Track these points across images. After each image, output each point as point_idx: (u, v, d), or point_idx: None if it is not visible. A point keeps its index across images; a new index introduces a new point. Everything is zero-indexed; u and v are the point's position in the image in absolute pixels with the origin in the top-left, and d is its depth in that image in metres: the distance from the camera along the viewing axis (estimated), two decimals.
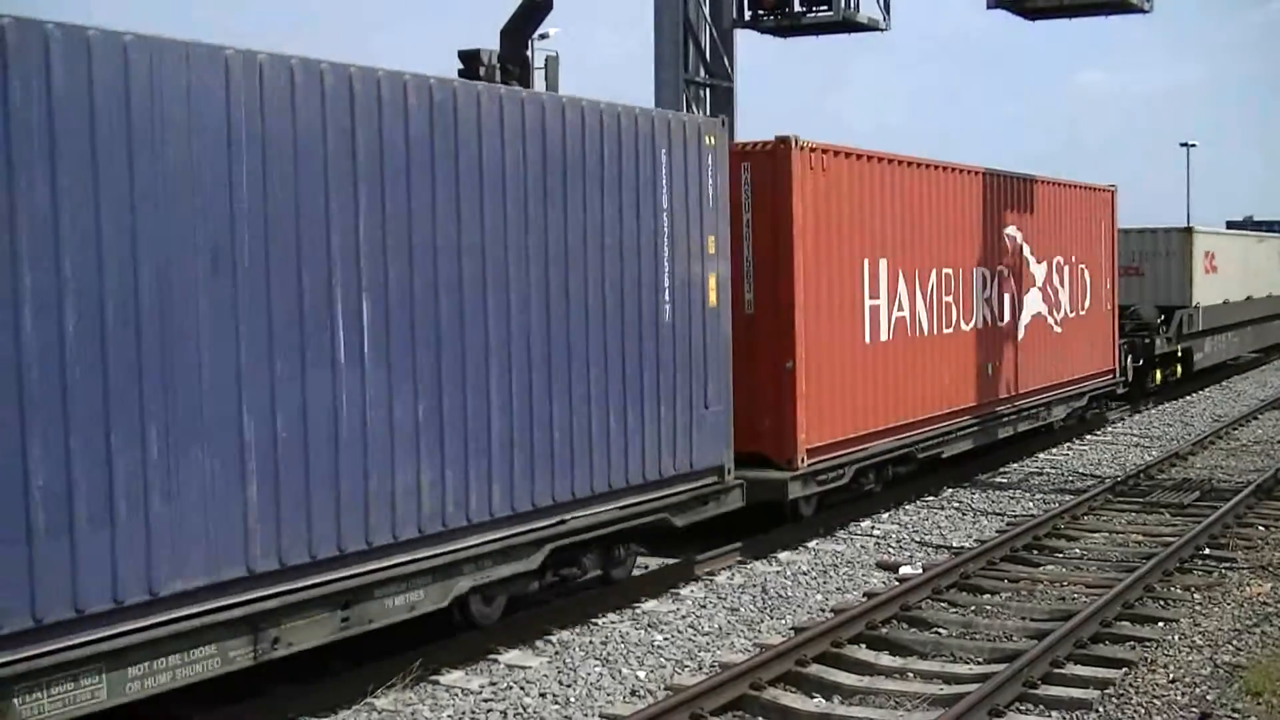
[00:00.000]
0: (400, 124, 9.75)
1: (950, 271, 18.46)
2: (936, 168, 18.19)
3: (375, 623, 9.79)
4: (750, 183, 14.82)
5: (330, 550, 9.29)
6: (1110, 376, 25.29)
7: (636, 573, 13.18)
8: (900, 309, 17.10)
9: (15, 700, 7.45)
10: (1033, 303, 21.49)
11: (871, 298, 16.39)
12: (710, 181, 13.14)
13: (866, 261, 16.27)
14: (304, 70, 9.05)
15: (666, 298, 12.53)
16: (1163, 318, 30.25)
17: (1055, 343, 22.40)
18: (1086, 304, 23.96)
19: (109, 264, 7.91)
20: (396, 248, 9.73)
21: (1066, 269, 22.96)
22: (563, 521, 11.37)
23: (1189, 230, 32.01)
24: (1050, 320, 22.26)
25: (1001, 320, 20.27)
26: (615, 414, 11.85)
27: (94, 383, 7.82)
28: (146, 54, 8.12)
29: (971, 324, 19.21)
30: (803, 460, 14.89)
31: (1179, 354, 31.01)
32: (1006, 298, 20.44)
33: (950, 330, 18.51)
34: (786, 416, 14.78)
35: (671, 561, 13.86)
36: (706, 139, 13.08)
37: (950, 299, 18.48)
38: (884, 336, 16.68)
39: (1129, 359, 27.53)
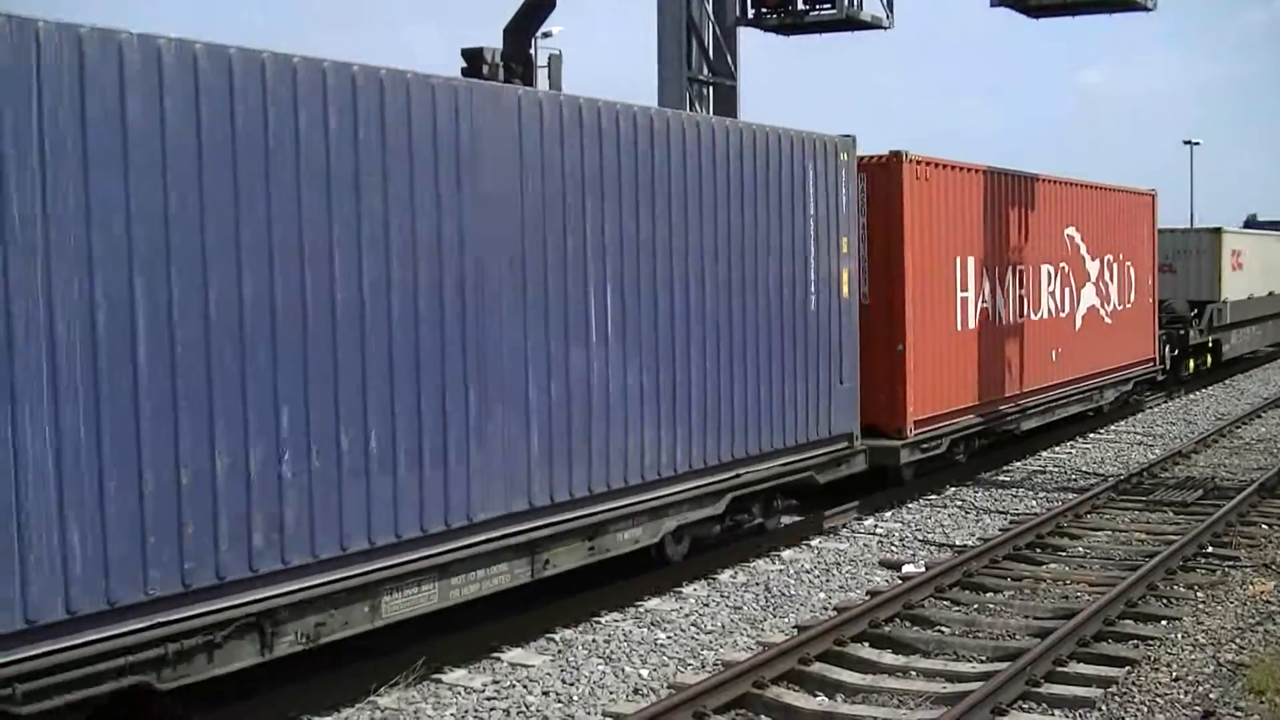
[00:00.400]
0: (646, 148, 12.37)
1: (1023, 268, 20.76)
2: (1011, 176, 20.47)
3: (610, 552, 12.20)
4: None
5: (583, 491, 11.68)
6: (1151, 364, 27.39)
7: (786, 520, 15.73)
8: (984, 300, 19.39)
9: (384, 598, 9.93)
10: (1088, 296, 23.71)
11: (961, 290, 18.69)
12: (844, 191, 15.48)
13: (958, 259, 18.60)
14: (569, 106, 11.56)
15: (812, 290, 14.91)
16: (1195, 311, 32.16)
17: (1106, 332, 24.55)
18: (1132, 298, 26.07)
19: (448, 262, 10.28)
20: (630, 251, 12.14)
21: (1115, 266, 25.04)
22: (738, 475, 13.79)
23: (1218, 231, 33.90)
24: (1102, 312, 24.42)
25: (1063, 311, 22.56)
26: (775, 387, 14.28)
27: (436, 357, 10.20)
28: (486, 106, 10.70)
29: (1039, 315, 21.49)
30: (910, 430, 17.28)
31: (1209, 345, 32.92)
32: (1067, 291, 22.73)
33: (1022, 320, 20.81)
34: (898, 392, 17.11)
35: (798, 519, 16.06)
36: (841, 155, 15.46)
37: (1023, 292, 20.80)
38: (971, 325, 18.98)
39: (1167, 349, 29.69)
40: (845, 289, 15.51)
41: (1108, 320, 24.63)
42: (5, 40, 7.55)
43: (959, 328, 18.56)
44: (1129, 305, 25.81)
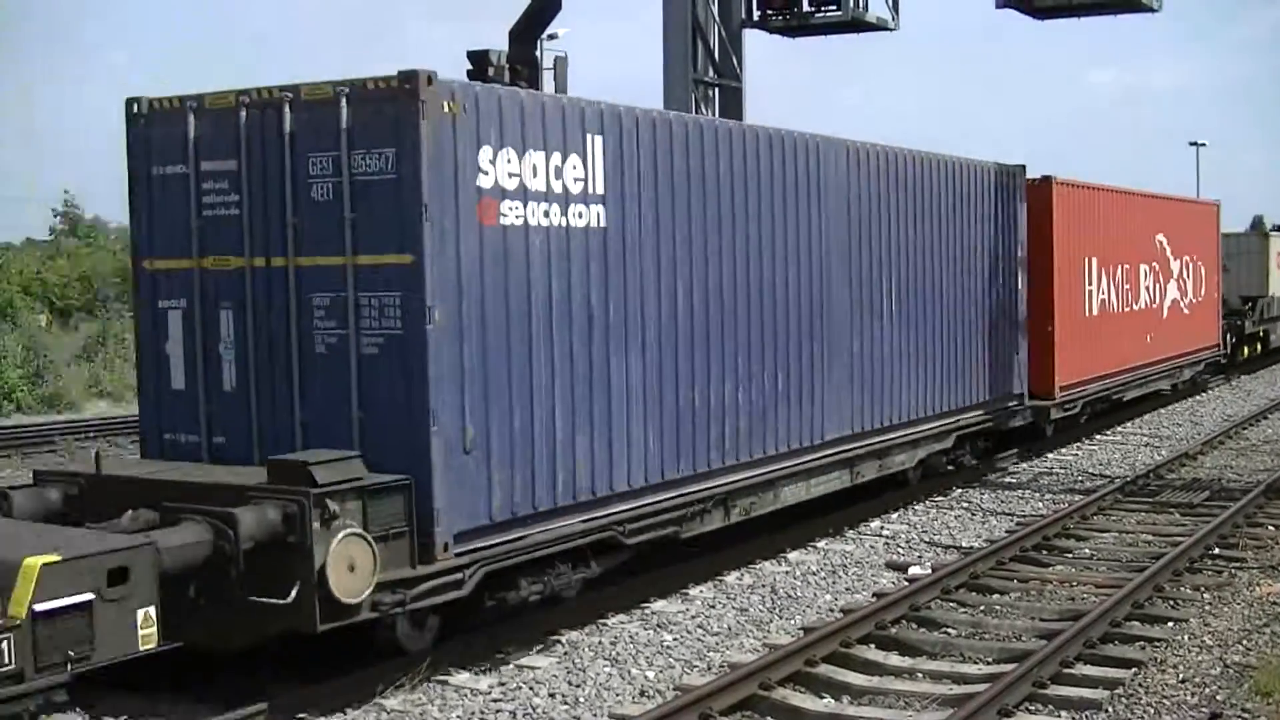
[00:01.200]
0: (914, 181, 17.24)
1: (1128, 266, 25.49)
2: (1120, 192, 25.55)
3: (888, 470, 16.90)
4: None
5: (876, 424, 16.30)
6: (1216, 349, 32.52)
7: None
8: (1102, 293, 24.07)
9: (782, 488, 14.51)
10: (1171, 291, 28.56)
11: (1088, 284, 23.39)
12: (1018, 207, 20.51)
13: (1085, 259, 23.20)
14: (870, 154, 16.09)
15: (1000, 284, 19.84)
16: (1248, 305, 37.74)
17: (1184, 321, 29.29)
18: (1202, 292, 30.95)
19: (815, 263, 14.97)
20: (901, 255, 16.81)
21: (1190, 265, 29.89)
22: (959, 420, 18.57)
23: (1265, 234, 39.98)
24: (1181, 304, 29.19)
25: (1154, 303, 27.37)
26: (980, 355, 19.19)
27: (807, 327, 14.80)
28: (830, 156, 15.29)
29: (1138, 305, 26.27)
30: (1058, 394, 21.79)
31: (1260, 334, 38.84)
32: (1157, 286, 27.55)
33: (1127, 309, 25.50)
34: (1048, 363, 21.54)
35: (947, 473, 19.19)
36: (1017, 179, 20.56)
37: (1128, 286, 25.59)
38: (1094, 312, 23.71)
39: (1228, 336, 35.05)
40: (1020, 283, 20.48)
41: (1185, 311, 29.38)
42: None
43: (1085, 314, 23.28)
44: (1200, 299, 30.67)
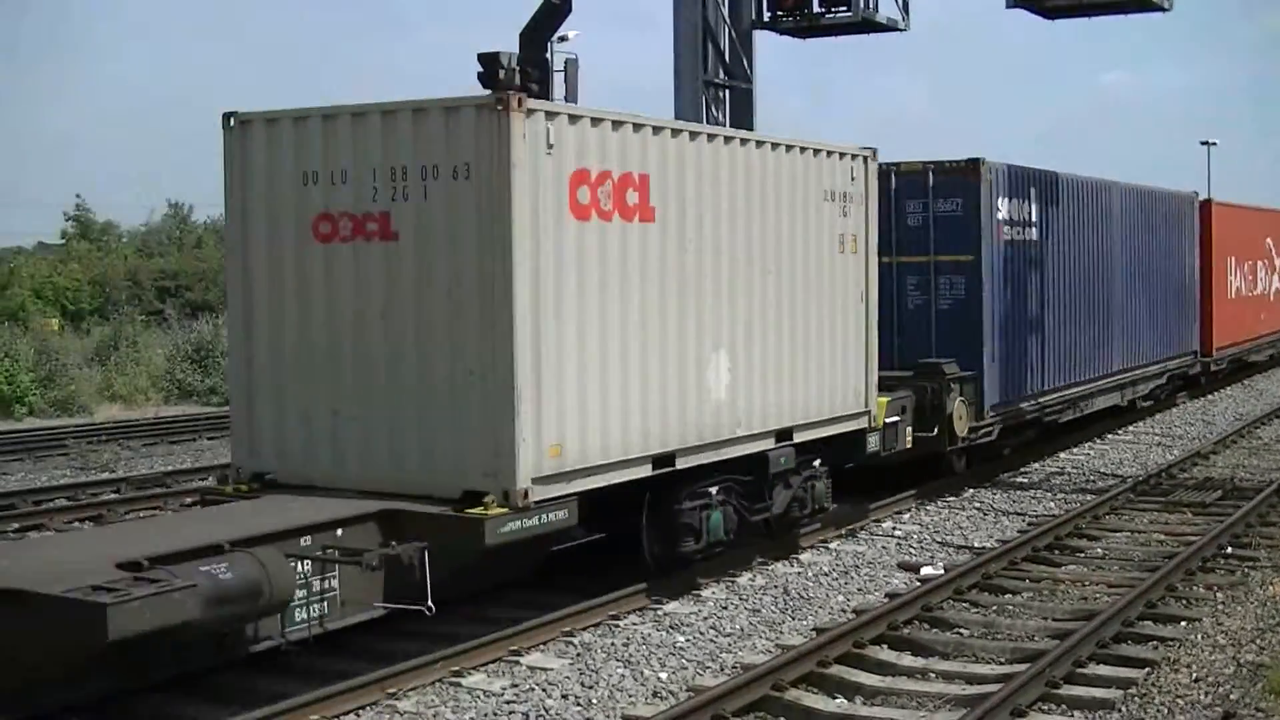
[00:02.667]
0: (1137, 211, 25.40)
1: (1250, 262, 34.76)
2: (1245, 208, 35.37)
3: (1134, 395, 25.24)
4: None
5: (1130, 364, 24.68)
6: None
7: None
8: (1236, 282, 33.18)
9: (1094, 399, 23.25)
10: (1275, 281, 37.67)
11: (1229, 275, 32.49)
12: (1196, 222, 29.67)
13: (1226, 257, 32.20)
14: (1123, 191, 24.93)
15: (1185, 271, 28.64)
16: None
17: (1277, 306, 38.31)
18: None
19: (1123, 265, 24.43)
20: (1146, 255, 25.36)
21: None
22: (1165, 365, 26.78)
23: None
24: (1274, 291, 37.98)
25: (1264, 290, 36.49)
26: (1176, 321, 27.71)
27: (1118, 300, 24.07)
28: (1115, 194, 24.41)
29: (1256, 291, 35.52)
30: (1214, 353, 30.30)
31: None
32: (1267, 277, 36.84)
33: (1249, 294, 34.75)
34: (1209, 330, 29.99)
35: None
36: (1194, 199, 29.85)
37: (1250, 277, 34.77)
38: (1230, 295, 32.45)
39: None
40: (1195, 273, 29.22)
41: (1272, 298, 37.80)
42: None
43: (1227, 297, 31.99)
44: None
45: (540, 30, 20.29)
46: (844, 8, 22.15)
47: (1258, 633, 11.32)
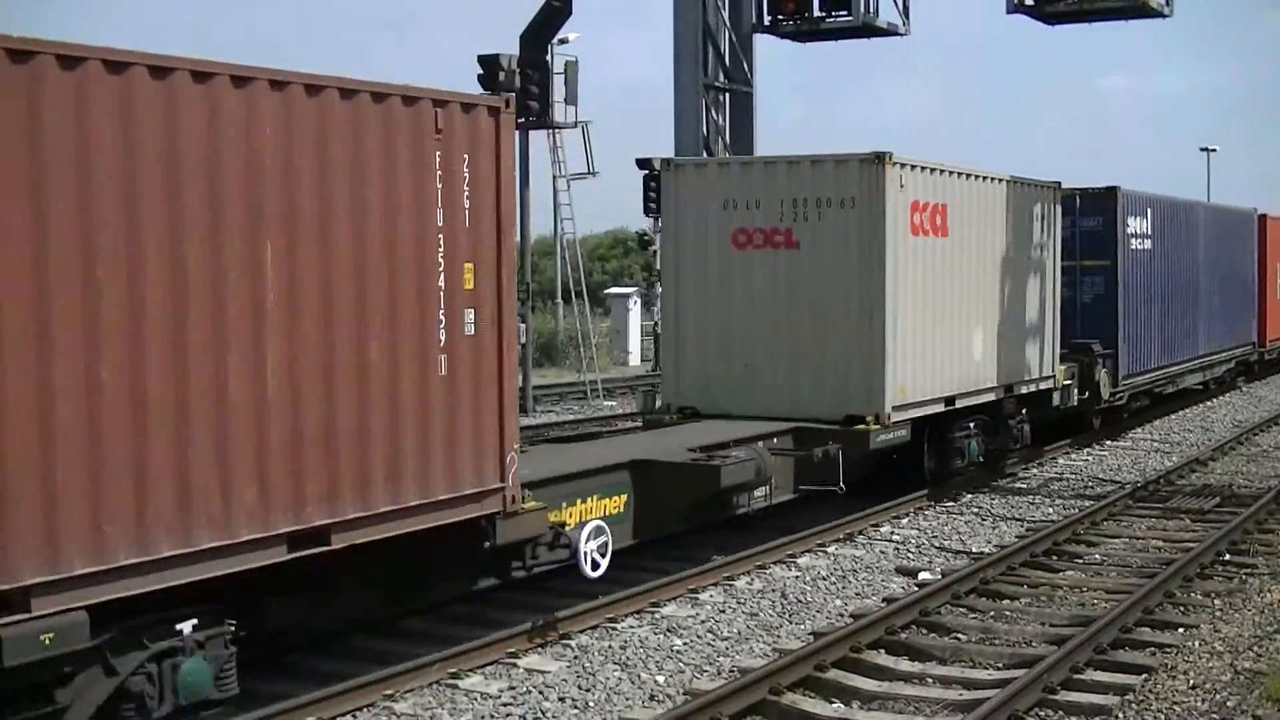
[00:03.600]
0: (1213, 227, 30.39)
1: None
2: None
3: (1210, 377, 30.34)
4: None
5: (1208, 350, 29.62)
6: None
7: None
8: None
9: (1186, 378, 28.79)
10: None
11: (1277, 279, 36.15)
12: (1255, 235, 34.24)
13: (1275, 264, 35.93)
14: (1204, 210, 30.93)
15: (1241, 276, 33.38)
16: None
17: None
18: None
19: (1207, 272, 29.74)
20: (1218, 263, 30.21)
21: None
22: (1233, 352, 31.68)
23: None
24: None
25: None
26: (1239, 317, 32.22)
27: (1205, 300, 29.57)
28: (1200, 214, 30.46)
29: None
30: (1267, 344, 34.93)
31: None
32: None
33: None
34: (1261, 324, 34.60)
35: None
36: (1254, 217, 34.76)
37: None
38: (1278, 297, 36.10)
39: None
40: (1252, 277, 33.96)
41: None
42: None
43: (1277, 296, 36.08)
44: None
45: (541, 32, 20.31)
46: (844, 12, 22.21)
47: (1255, 640, 11.31)
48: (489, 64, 13.18)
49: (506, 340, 10.37)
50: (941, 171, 17.13)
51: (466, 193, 9.96)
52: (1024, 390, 19.73)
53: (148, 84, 7.81)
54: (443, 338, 9.81)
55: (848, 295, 15.89)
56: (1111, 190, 23.82)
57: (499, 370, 10.27)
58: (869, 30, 22.56)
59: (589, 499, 12.22)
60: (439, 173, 9.74)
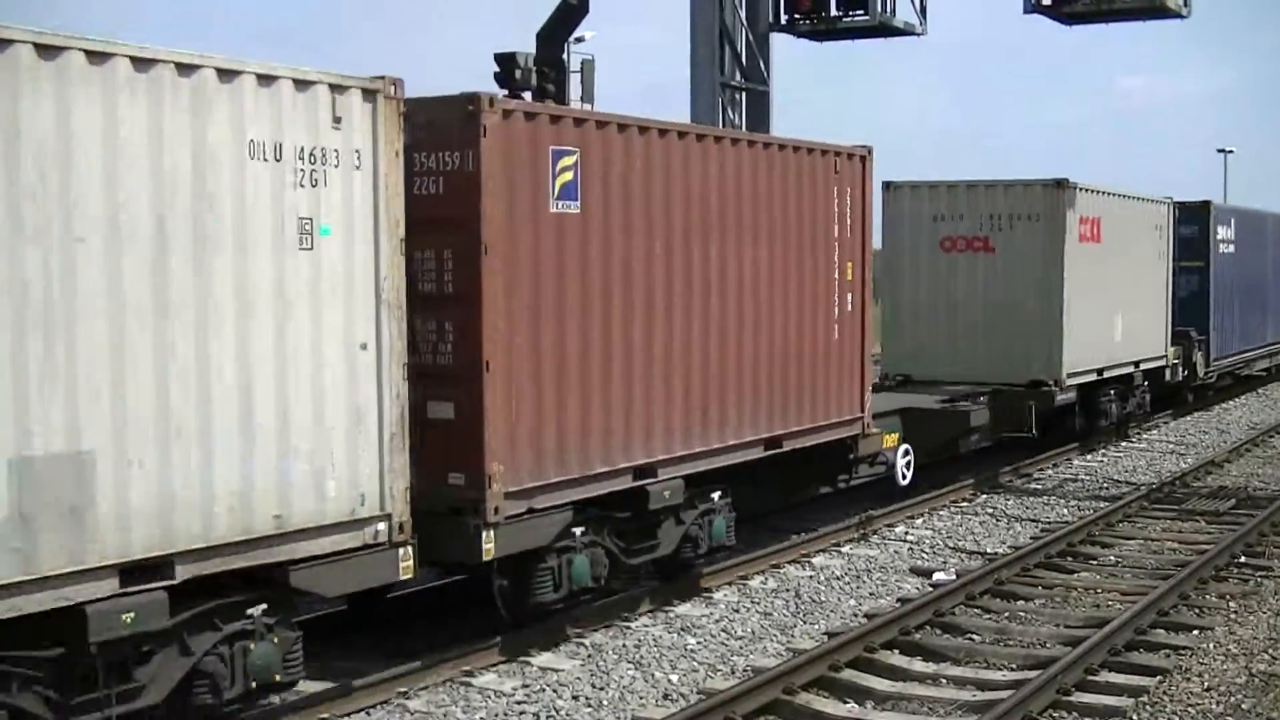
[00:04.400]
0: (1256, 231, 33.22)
1: None
2: None
3: (1273, 363, 34.47)
4: None
5: (1271, 340, 33.81)
6: None
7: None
8: None
9: (1256, 363, 32.99)
10: None
11: None
12: None
13: None
14: (1269, 217, 35.54)
15: None
16: None
17: None
18: None
19: (1271, 274, 34.66)
20: (1275, 270, 34.62)
21: None
22: (1275, 348, 34.48)
23: None
24: None
25: None
26: None
27: (1260, 299, 33.34)
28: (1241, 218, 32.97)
29: None
30: None
31: None
32: None
33: None
34: None
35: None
36: None
37: None
38: None
39: None
40: None
41: None
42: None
43: None
44: None
45: (557, 30, 20.29)
46: (861, 11, 22.15)
47: (1270, 642, 11.28)
48: (506, 62, 13.21)
49: (866, 316, 15.14)
50: (1097, 192, 21.70)
51: (849, 213, 14.61)
52: (1147, 366, 24.16)
53: (693, 145, 12.13)
54: (836, 313, 14.53)
55: (1033, 288, 20.26)
56: (1205, 204, 28.76)
57: (861, 337, 15.05)
58: (886, 30, 22.51)
59: (886, 433, 16.26)
60: (835, 199, 14.40)
